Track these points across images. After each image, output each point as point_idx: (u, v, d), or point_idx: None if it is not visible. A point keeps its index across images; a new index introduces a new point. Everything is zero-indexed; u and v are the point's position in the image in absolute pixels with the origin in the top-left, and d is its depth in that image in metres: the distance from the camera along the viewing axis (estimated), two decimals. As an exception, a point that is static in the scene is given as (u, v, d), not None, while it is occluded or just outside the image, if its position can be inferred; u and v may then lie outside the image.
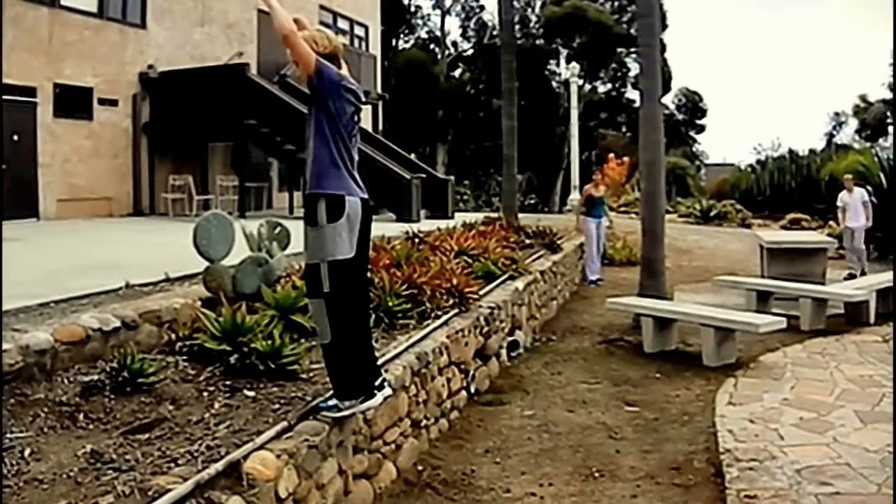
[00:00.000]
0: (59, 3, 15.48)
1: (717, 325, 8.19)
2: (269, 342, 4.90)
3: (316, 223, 4.17)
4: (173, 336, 5.22)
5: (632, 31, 35.27)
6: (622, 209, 27.92)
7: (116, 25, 17.02)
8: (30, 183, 14.68)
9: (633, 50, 37.36)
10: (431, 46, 47.80)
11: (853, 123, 50.37)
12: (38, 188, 14.96)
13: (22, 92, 14.29)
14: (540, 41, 42.57)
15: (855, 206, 15.83)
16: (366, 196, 4.36)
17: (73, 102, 15.90)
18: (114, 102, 16.98)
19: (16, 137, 14.22)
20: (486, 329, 7.46)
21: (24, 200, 14.22)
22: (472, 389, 6.98)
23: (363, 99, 4.52)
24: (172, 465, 3.48)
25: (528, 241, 12.60)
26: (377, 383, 4.39)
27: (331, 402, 4.28)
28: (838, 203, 16.24)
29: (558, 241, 13.06)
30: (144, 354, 4.67)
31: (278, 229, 6.73)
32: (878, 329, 9.82)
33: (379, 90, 25.85)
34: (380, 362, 4.96)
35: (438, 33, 48.21)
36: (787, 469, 5.09)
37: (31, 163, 14.79)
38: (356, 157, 4.48)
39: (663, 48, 40.34)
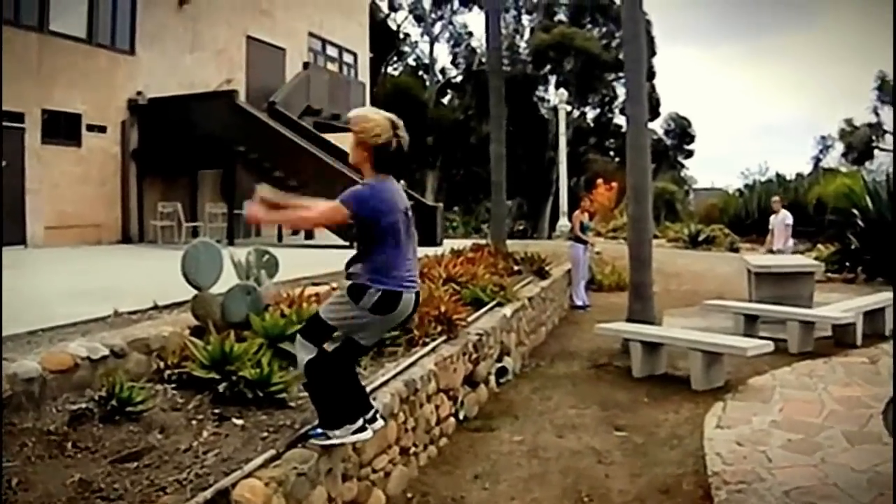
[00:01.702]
0: (48, 29, 15.52)
1: (705, 349, 8.22)
2: (258, 370, 4.90)
3: (358, 303, 4.10)
4: (162, 364, 5.21)
5: (620, 56, 35.51)
6: (611, 234, 28.02)
7: (106, 51, 17.09)
8: (17, 209, 14.64)
9: (620, 75, 37.59)
10: (420, 73, 48.03)
11: (839, 147, 50.68)
12: (25, 215, 14.92)
13: (10, 118, 14.27)
14: (529, 68, 42.82)
15: (778, 229, 16.15)
16: (418, 288, 4.33)
17: (62, 128, 15.93)
18: (102, 129, 17.02)
19: (3, 163, 14.20)
20: (474, 355, 7.47)
21: (10, 227, 14.17)
22: (462, 416, 6.98)
23: (408, 204, 4.41)
24: (161, 493, 3.47)
25: (516, 268, 12.61)
26: (369, 416, 4.38)
27: (318, 431, 4.27)
28: (770, 226, 16.62)
29: (547, 267, 13.09)
30: (133, 382, 4.66)
31: (266, 257, 6.75)
32: (865, 350, 9.86)
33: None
34: (368, 389, 4.97)
35: (427, 60, 48.47)
36: (775, 491, 5.11)
37: (19, 189, 14.76)
38: (415, 249, 4.42)
39: (652, 74, 40.68)
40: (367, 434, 4.34)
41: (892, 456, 5.45)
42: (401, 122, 4.26)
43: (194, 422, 4.46)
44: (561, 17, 45.35)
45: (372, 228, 4.11)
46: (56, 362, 4.55)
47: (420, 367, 6.16)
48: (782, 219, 16.50)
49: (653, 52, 40.43)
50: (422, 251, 10.72)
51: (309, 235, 20.10)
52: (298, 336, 4.28)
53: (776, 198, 18.21)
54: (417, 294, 4.31)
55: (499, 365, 8.39)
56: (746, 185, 41.09)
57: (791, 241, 16.69)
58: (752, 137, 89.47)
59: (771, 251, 16.24)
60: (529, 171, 38.35)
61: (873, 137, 46.87)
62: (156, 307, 6.59)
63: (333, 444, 4.24)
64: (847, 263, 18.33)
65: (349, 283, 4.16)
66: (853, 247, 18.29)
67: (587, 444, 6.48)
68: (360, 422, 4.30)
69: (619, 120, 42.79)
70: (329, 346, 4.28)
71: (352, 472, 4.60)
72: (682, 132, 50.47)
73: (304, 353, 4.18)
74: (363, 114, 4.33)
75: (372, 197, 4.15)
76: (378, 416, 4.51)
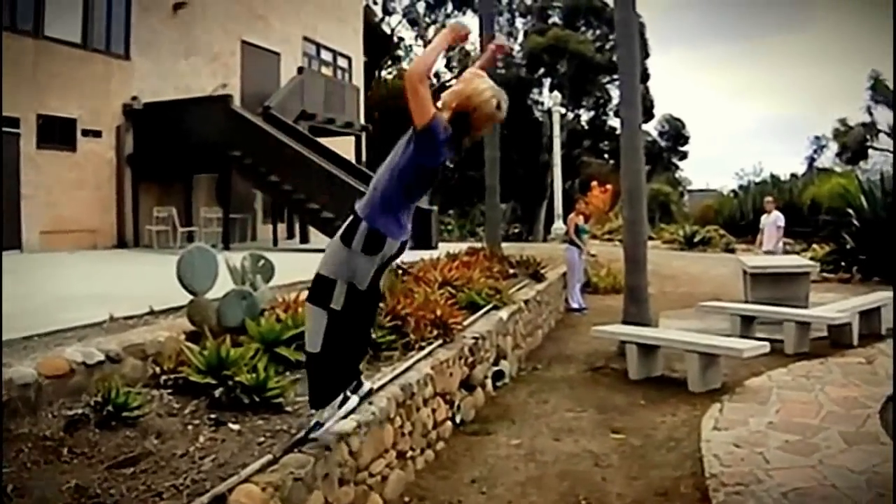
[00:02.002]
0: (43, 34, 15.52)
1: (702, 351, 8.22)
2: (254, 375, 4.89)
3: (350, 245, 4.13)
4: (158, 369, 5.19)
5: (613, 59, 35.59)
6: (606, 237, 28.04)
7: (101, 57, 17.10)
8: (12, 214, 14.61)
9: (614, 78, 37.66)
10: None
11: (833, 147, 50.81)
12: (20, 220, 14.91)
13: (5, 123, 14.22)
14: (523, 71, 42.86)
15: (769, 229, 16.19)
16: (407, 238, 4.34)
17: (57, 133, 15.93)
18: (98, 134, 17.01)
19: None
20: (470, 359, 7.46)
21: (6, 232, 14.13)
22: (458, 419, 6.97)
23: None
24: (157, 498, 3.46)
25: (512, 271, 12.60)
26: (352, 386, 4.43)
27: (314, 422, 4.30)
28: (761, 225, 16.67)
29: (542, 271, 13.09)
30: (129, 388, 4.65)
31: (262, 262, 6.73)
32: (861, 351, 9.87)
33: (362, 121, 25.94)
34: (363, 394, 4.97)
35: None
36: (773, 492, 5.11)
37: (14, 194, 14.75)
38: (416, 205, 4.46)
39: (646, 76, 40.74)
40: (353, 401, 4.40)
41: (890, 456, 5.46)
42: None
43: (190, 427, 4.45)
44: (555, 19, 45.41)
45: (412, 162, 4.10)
46: (52, 367, 4.54)
47: (416, 371, 6.15)
48: (774, 220, 16.57)
49: (646, 55, 40.49)
50: (417, 255, 10.78)
51: (304, 240, 20.12)
52: (307, 304, 4.28)
53: (769, 198, 18.29)
54: (404, 242, 4.32)
55: (495, 368, 8.38)
56: (741, 186, 41.33)
57: (781, 243, 16.75)
58: (747, 138, 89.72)
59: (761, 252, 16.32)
60: (524, 174, 38.37)
61: (867, 137, 46.98)
62: (152, 312, 6.58)
63: (328, 427, 4.26)
64: (842, 263, 18.38)
65: (346, 221, 4.20)
66: (848, 247, 18.34)
67: (584, 448, 6.48)
68: (341, 396, 4.35)
69: (614, 122, 42.86)
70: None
71: (348, 476, 4.58)
72: (676, 134, 50.54)
73: (315, 321, 4.16)
74: (486, 81, 4.29)
75: (445, 141, 4.14)
76: (365, 381, 4.57)
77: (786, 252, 18.02)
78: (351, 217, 4.18)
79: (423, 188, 4.40)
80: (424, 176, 4.23)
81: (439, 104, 4.16)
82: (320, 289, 4.20)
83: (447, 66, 48.29)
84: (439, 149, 4.12)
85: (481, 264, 11.37)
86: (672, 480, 5.63)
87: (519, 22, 47.36)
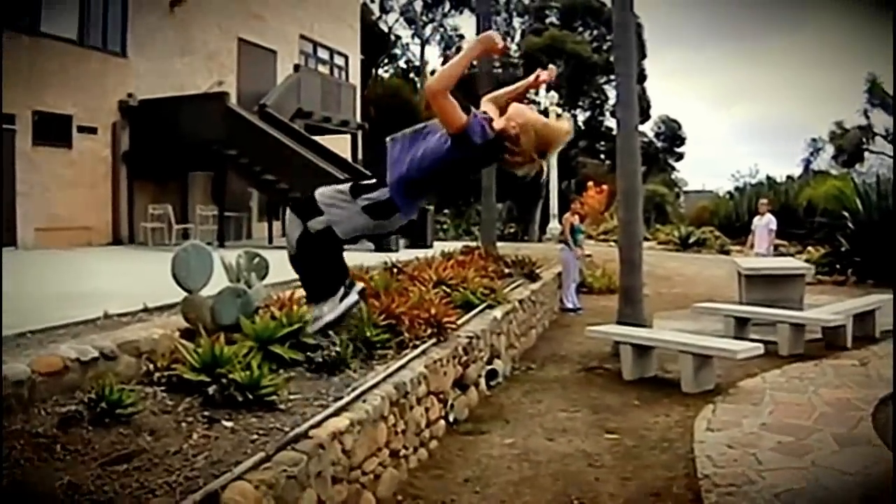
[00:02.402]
0: (39, 31, 15.49)
1: (696, 352, 8.24)
2: (248, 373, 4.89)
3: (356, 197, 4.15)
4: (152, 367, 5.18)
5: (610, 59, 35.61)
6: (601, 237, 28.07)
7: (97, 54, 17.09)
8: (8, 212, 14.59)
9: (611, 78, 37.71)
10: (411, 76, 48.03)
11: (829, 150, 50.91)
12: (15, 217, 14.89)
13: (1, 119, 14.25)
14: (519, 70, 42.88)
15: (761, 232, 16.22)
16: (414, 217, 4.41)
17: (53, 130, 15.89)
18: (93, 131, 17.00)
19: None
20: (464, 358, 7.46)
21: (1, 229, 14.11)
22: (452, 419, 6.98)
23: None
24: (151, 496, 3.46)
25: (507, 271, 12.60)
26: (347, 282, 4.50)
27: (315, 314, 4.36)
28: (753, 227, 16.70)
29: (537, 270, 13.10)
30: (123, 385, 4.64)
31: (257, 260, 6.72)
32: (855, 353, 9.91)
33: (358, 119, 25.93)
34: (357, 392, 4.99)
35: (418, 63, 48.51)
36: (765, 493, 5.12)
37: (10, 191, 14.72)
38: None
39: (643, 77, 40.79)
40: (353, 297, 4.48)
41: (881, 458, 5.48)
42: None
43: (184, 424, 4.44)
44: (552, 20, 45.45)
45: (447, 156, 4.09)
46: (46, 365, 4.54)
47: (410, 369, 6.14)
48: (766, 223, 16.59)
49: (643, 55, 40.55)
50: (412, 253, 10.78)
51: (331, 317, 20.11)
52: (289, 210, 4.40)
53: (764, 200, 18.31)
54: (403, 225, 4.51)
55: (489, 368, 8.38)
56: (737, 188, 41.33)
57: (772, 247, 16.77)
58: (743, 140, 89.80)
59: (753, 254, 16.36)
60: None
61: (863, 140, 47.10)
62: (146, 309, 6.58)
63: (331, 318, 4.32)
64: (837, 266, 18.42)
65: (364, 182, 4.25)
66: (843, 249, 18.38)
67: (578, 448, 6.49)
68: (342, 290, 4.41)
69: (610, 123, 42.94)
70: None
71: (341, 474, 4.59)
72: (672, 135, 50.67)
73: (293, 228, 4.33)
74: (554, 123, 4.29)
75: (483, 143, 4.12)
76: (354, 283, 4.66)
77: (781, 255, 18.07)
78: (375, 181, 4.21)
79: (446, 183, 4.44)
80: (452, 173, 4.27)
81: (504, 121, 4.11)
82: (308, 208, 4.35)
83: (444, 65, 48.31)
84: (475, 148, 4.09)
85: (476, 264, 11.37)
86: (665, 481, 5.64)
87: (516, 22, 47.43)
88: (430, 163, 4.10)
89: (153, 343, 5.43)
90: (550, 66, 4.47)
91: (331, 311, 4.34)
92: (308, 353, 5.60)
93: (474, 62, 4.87)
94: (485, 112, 4.22)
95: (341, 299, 4.44)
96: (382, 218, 4.15)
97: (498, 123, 4.11)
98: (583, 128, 45.19)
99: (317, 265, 4.33)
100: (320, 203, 4.21)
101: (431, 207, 20.68)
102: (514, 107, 4.20)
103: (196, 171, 19.16)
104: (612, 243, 21.60)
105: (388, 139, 4.33)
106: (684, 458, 6.10)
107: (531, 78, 4.66)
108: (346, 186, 4.23)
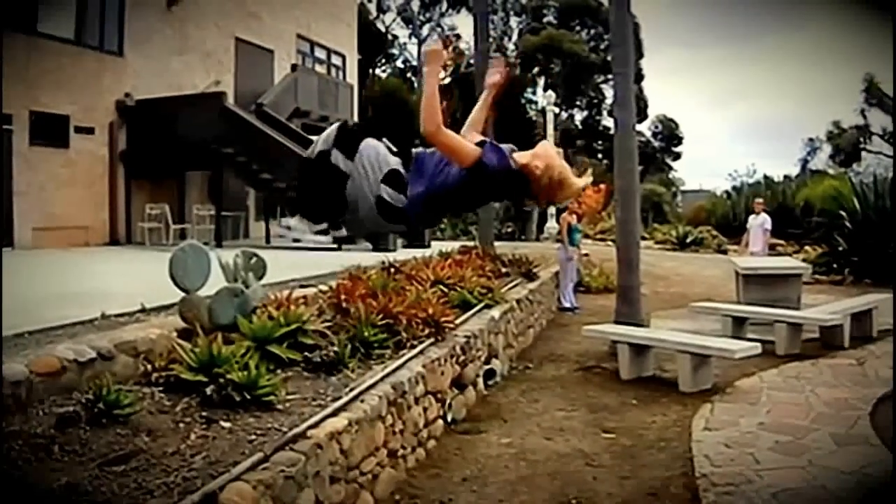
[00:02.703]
0: (36, 31, 15.47)
1: (693, 352, 8.24)
2: (246, 373, 4.88)
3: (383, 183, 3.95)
4: (149, 367, 5.18)
5: (608, 58, 35.59)
6: (599, 236, 28.05)
7: (94, 53, 17.06)
8: (5, 211, 14.57)
9: (608, 77, 37.71)
10: (409, 75, 48.01)
11: (827, 149, 50.95)
12: (13, 217, 14.86)
13: (-3, 120, 14.25)
14: (517, 70, 42.89)
15: (755, 231, 16.23)
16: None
17: (50, 130, 15.86)
18: (90, 130, 16.97)
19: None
20: (462, 358, 7.46)
21: (-1, 230, 14.13)
22: (449, 418, 6.98)
23: None
24: (148, 496, 3.46)
25: (504, 270, 12.58)
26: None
27: (284, 224, 4.30)
28: (748, 226, 16.71)
29: (535, 270, 13.09)
30: (120, 385, 4.64)
31: (254, 259, 6.72)
32: (852, 353, 9.92)
33: (356, 118, 25.93)
34: (355, 392, 4.99)
35: (415, 62, 48.47)
36: (763, 493, 5.13)
37: (7, 191, 14.70)
38: None
39: (640, 77, 40.80)
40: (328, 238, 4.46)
41: (879, 457, 5.49)
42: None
43: (182, 425, 4.44)
44: (549, 19, 45.46)
45: (468, 182, 3.93)
46: (43, 365, 4.53)
47: (408, 369, 6.15)
48: (761, 223, 16.62)
49: (640, 55, 40.55)
50: (410, 253, 10.78)
51: (297, 237, 20.05)
52: (336, 127, 4.10)
53: (759, 199, 18.33)
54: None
55: (487, 367, 8.39)
56: (734, 188, 41.29)
57: (766, 247, 16.80)
58: (740, 139, 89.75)
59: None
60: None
61: (861, 139, 47.12)
62: (143, 310, 6.57)
63: (292, 237, 4.26)
64: (835, 265, 18.43)
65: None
66: (841, 249, 18.39)
67: (575, 447, 6.49)
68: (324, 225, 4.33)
69: (608, 122, 42.97)
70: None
71: (339, 474, 4.59)
72: (669, 134, 50.69)
73: (324, 140, 3.94)
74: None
75: (502, 169, 3.93)
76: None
77: (778, 254, 18.10)
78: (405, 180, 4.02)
79: (472, 205, 4.29)
80: (476, 197, 4.09)
81: (530, 156, 3.97)
82: (351, 142, 3.90)
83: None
84: (494, 174, 3.91)
85: (474, 263, 11.35)
86: (662, 480, 5.65)
87: (513, 21, 47.42)
88: (454, 183, 3.99)
89: (151, 343, 5.42)
90: (492, 59, 4.22)
91: (299, 233, 4.19)
92: (306, 353, 5.61)
93: (462, 68, 4.77)
94: (508, 145, 4.09)
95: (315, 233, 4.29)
96: (385, 218, 4.08)
97: (522, 158, 3.96)
98: (580, 127, 45.25)
99: (317, 186, 4.07)
100: (358, 162, 3.90)
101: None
102: (543, 146, 4.04)
103: (193, 171, 19.13)
104: (610, 243, 21.62)
105: (421, 150, 4.17)
106: (682, 457, 6.11)
107: (488, 82, 4.43)
108: (392, 167, 3.89)
